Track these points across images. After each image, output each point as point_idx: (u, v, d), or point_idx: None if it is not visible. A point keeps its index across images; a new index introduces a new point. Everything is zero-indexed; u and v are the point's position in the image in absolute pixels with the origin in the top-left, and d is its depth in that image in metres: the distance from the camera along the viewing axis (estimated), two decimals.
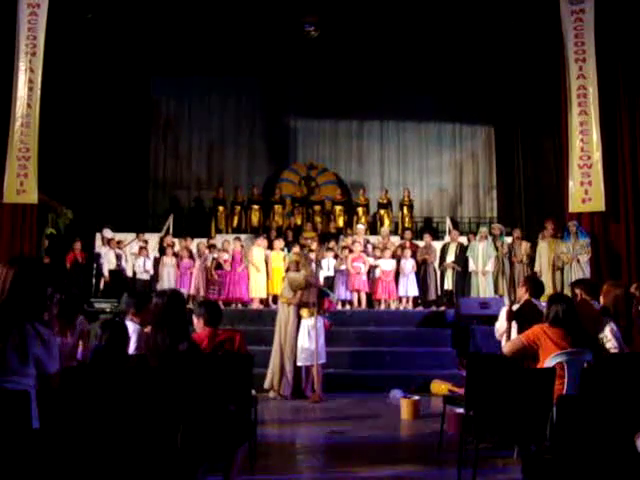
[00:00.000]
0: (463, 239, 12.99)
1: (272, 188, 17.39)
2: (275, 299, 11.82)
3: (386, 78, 17.71)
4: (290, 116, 18.91)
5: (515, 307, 5.73)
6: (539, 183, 15.57)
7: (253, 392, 5.68)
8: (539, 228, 12.30)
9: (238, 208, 16.57)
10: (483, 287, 11.92)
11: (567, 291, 9.88)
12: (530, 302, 5.71)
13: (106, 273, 12.87)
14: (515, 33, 14.19)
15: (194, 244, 13.19)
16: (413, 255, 12.50)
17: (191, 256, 12.60)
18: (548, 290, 10.35)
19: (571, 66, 11.43)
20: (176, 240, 13.46)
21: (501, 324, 5.68)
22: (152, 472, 3.40)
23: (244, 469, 4.93)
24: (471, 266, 12.05)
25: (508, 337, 5.40)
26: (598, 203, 11.15)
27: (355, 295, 12.22)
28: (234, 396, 4.92)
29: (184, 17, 14.20)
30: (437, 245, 12.98)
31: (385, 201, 16.84)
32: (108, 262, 12.93)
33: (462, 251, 12.29)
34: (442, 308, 11.95)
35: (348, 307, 12.11)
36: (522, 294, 5.88)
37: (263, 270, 12.30)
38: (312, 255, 11.70)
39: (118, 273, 12.88)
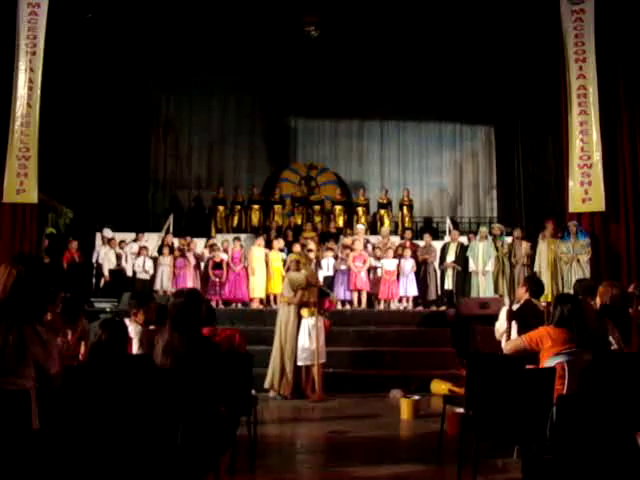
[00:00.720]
0: (463, 239, 12.98)
1: (272, 188, 17.39)
2: (275, 299, 11.82)
3: (386, 78, 17.70)
4: (290, 116, 18.92)
5: (515, 307, 5.74)
6: (539, 183, 15.56)
7: (253, 392, 5.69)
8: (539, 228, 12.29)
9: (238, 208, 16.58)
10: (483, 287, 11.91)
11: (567, 291, 9.87)
12: (530, 302, 5.71)
13: (106, 273, 12.87)
14: (515, 33, 14.19)
15: (197, 244, 13.19)
16: (413, 255, 12.49)
17: (184, 255, 12.58)
18: (548, 290, 10.35)
19: (571, 66, 11.43)
20: (176, 240, 13.46)
21: (501, 324, 5.68)
22: (152, 472, 3.40)
23: (244, 469, 4.95)
24: (471, 266, 12.04)
25: (508, 337, 5.40)
26: (598, 203, 11.15)
27: (355, 295, 12.22)
28: (234, 396, 4.92)
29: (184, 17, 14.21)
30: (437, 245, 12.97)
31: (385, 201, 16.83)
32: (108, 262, 12.93)
33: (462, 251, 12.28)
34: (442, 308, 11.95)
35: (348, 307, 12.10)
36: (522, 294, 5.88)
37: (263, 270, 12.30)
38: (312, 255, 11.73)
39: (118, 273, 12.88)
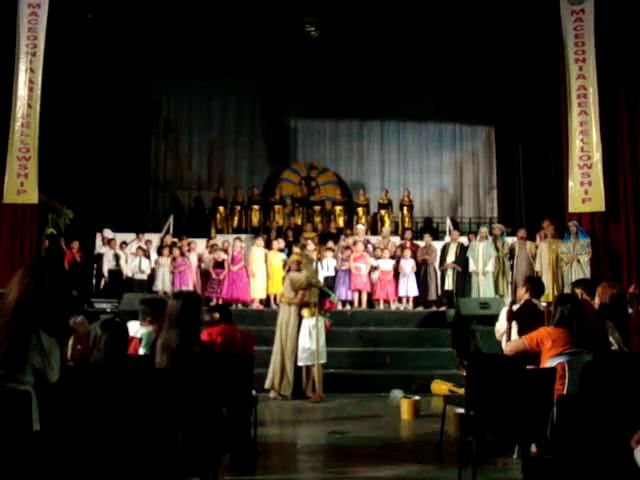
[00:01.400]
0: (463, 239, 12.98)
1: (272, 188, 17.38)
2: (275, 299, 11.82)
3: (386, 78, 17.70)
4: (290, 116, 18.92)
5: (515, 307, 5.74)
6: (539, 183, 15.56)
7: (253, 392, 5.69)
8: (539, 228, 12.30)
9: (238, 208, 16.57)
10: (483, 287, 11.90)
11: (567, 291, 9.86)
12: (530, 302, 5.72)
13: (106, 273, 12.88)
14: (515, 33, 14.19)
15: (198, 245, 13.20)
16: (413, 255, 12.50)
17: (183, 255, 12.59)
18: (548, 290, 10.35)
19: (571, 66, 11.43)
20: (177, 240, 13.47)
21: (501, 324, 5.69)
22: (153, 472, 3.40)
23: (243, 469, 4.95)
24: (471, 266, 12.04)
25: (508, 337, 5.40)
26: (598, 203, 11.15)
27: (356, 295, 12.22)
28: (234, 397, 4.93)
29: (185, 17, 14.20)
30: (437, 245, 12.97)
31: (385, 201, 16.82)
32: (108, 262, 12.93)
33: (462, 251, 12.28)
34: (442, 308, 11.95)
35: (349, 307, 12.11)
36: (522, 294, 5.88)
37: (263, 270, 12.30)
38: (313, 255, 11.73)
39: (117, 273, 12.88)
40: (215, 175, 18.64)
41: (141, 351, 4.99)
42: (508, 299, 10.90)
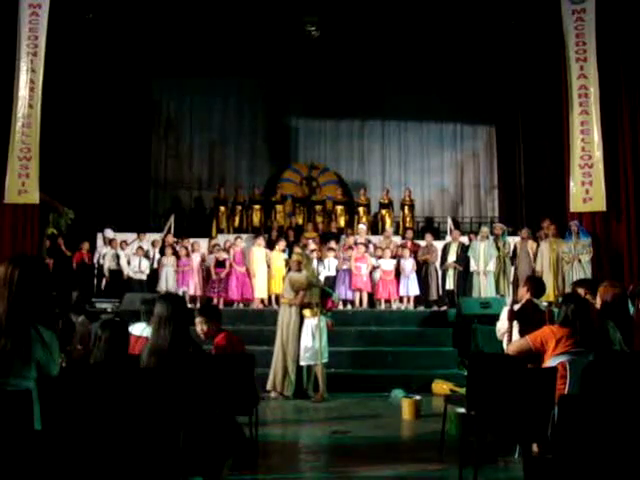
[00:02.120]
0: (464, 239, 12.98)
1: (273, 188, 17.38)
2: (277, 299, 11.81)
3: (387, 78, 17.72)
4: (291, 116, 18.93)
5: (516, 307, 5.73)
6: (540, 183, 15.56)
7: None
8: (540, 228, 12.31)
9: (239, 208, 16.57)
10: (484, 287, 11.90)
11: (568, 291, 9.86)
12: (531, 302, 5.71)
13: (107, 273, 12.88)
14: (516, 33, 14.20)
15: (201, 245, 13.21)
16: (414, 255, 12.49)
17: (188, 255, 12.59)
18: (549, 290, 10.35)
19: (572, 66, 11.43)
20: (177, 240, 13.46)
21: (502, 324, 5.68)
22: (155, 472, 3.40)
23: (245, 469, 4.95)
24: (472, 266, 12.03)
25: (509, 337, 5.40)
26: (599, 203, 11.16)
27: (357, 295, 12.22)
28: (236, 397, 4.93)
29: (185, 17, 14.21)
30: (438, 245, 12.97)
31: (386, 201, 16.81)
32: (109, 262, 12.93)
33: (463, 251, 12.28)
34: (443, 308, 11.94)
35: (350, 307, 12.11)
36: (523, 294, 5.87)
37: (263, 270, 12.30)
38: (314, 255, 11.74)
39: (118, 273, 12.88)
40: (216, 175, 18.65)
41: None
42: (509, 299, 10.89)
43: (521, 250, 12.05)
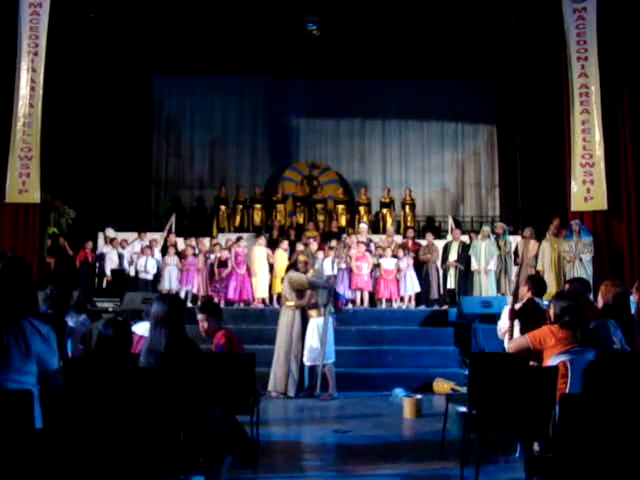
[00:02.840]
0: (465, 238, 12.97)
1: (274, 187, 17.39)
2: (279, 299, 11.79)
3: (388, 77, 17.71)
4: (292, 115, 18.93)
5: (517, 306, 5.73)
6: (541, 182, 15.56)
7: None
8: (542, 227, 12.30)
9: (240, 207, 16.58)
10: (485, 286, 11.89)
11: None
12: (532, 301, 5.71)
13: (108, 272, 12.88)
14: (517, 32, 14.19)
15: (205, 244, 13.22)
16: (409, 253, 12.47)
17: (195, 255, 12.60)
18: (551, 289, 10.34)
19: (573, 65, 11.42)
20: (180, 239, 13.47)
21: (503, 323, 5.69)
22: (156, 470, 3.40)
23: (246, 468, 4.95)
24: (473, 265, 12.03)
25: (511, 336, 5.40)
26: (600, 202, 11.15)
27: (358, 294, 12.22)
28: (236, 396, 4.93)
29: (186, 16, 14.21)
30: (439, 244, 12.96)
31: (387, 200, 16.82)
32: (111, 261, 12.93)
33: (464, 250, 12.27)
34: (444, 307, 11.94)
35: (351, 306, 12.10)
36: (524, 293, 5.87)
37: (265, 270, 12.29)
38: (320, 254, 11.74)
39: (120, 273, 12.88)
40: (217, 174, 18.65)
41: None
42: (510, 298, 10.89)
43: (526, 249, 12.02)
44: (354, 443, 6.23)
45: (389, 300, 12.27)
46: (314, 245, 12.28)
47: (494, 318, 7.48)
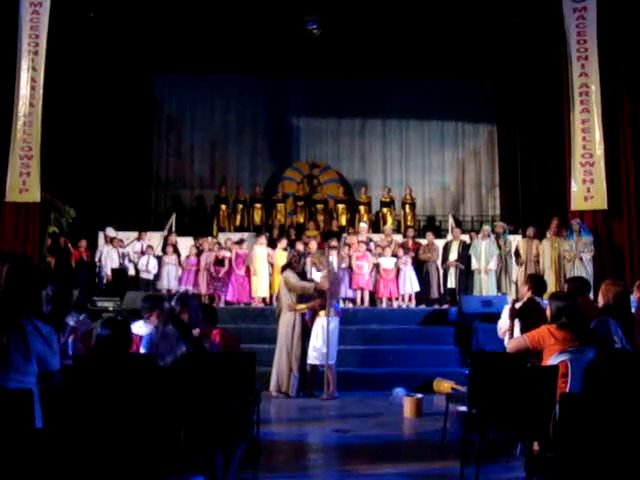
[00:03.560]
0: (465, 237, 12.98)
1: (274, 186, 17.39)
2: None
3: (389, 76, 17.70)
4: (292, 114, 18.92)
5: (518, 305, 5.73)
6: (541, 181, 15.56)
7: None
8: (542, 226, 12.29)
9: (240, 206, 16.57)
10: (486, 285, 11.90)
11: None
12: (533, 300, 5.71)
13: (109, 272, 12.87)
14: (517, 31, 14.19)
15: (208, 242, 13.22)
16: (408, 252, 12.47)
17: (199, 254, 12.60)
18: (551, 288, 10.34)
19: (573, 64, 11.43)
20: (181, 239, 13.47)
21: (504, 322, 5.69)
22: (156, 469, 3.40)
23: (246, 467, 4.94)
24: (474, 264, 12.03)
25: (511, 335, 5.40)
26: (600, 201, 11.16)
27: (358, 293, 12.22)
28: (237, 395, 4.93)
29: (186, 16, 14.21)
30: (439, 243, 12.96)
31: (388, 199, 16.82)
32: (111, 261, 12.92)
33: (464, 249, 12.28)
34: (445, 306, 11.94)
35: (351, 305, 12.09)
36: (525, 292, 5.88)
37: (265, 269, 12.29)
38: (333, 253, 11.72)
39: (121, 272, 12.88)
40: (217, 173, 18.64)
41: (142, 350, 4.99)
42: (510, 297, 10.89)
43: (530, 249, 12.00)
44: (354, 442, 6.23)
45: (389, 299, 12.27)
46: (313, 244, 12.27)
47: (494, 317, 7.47)
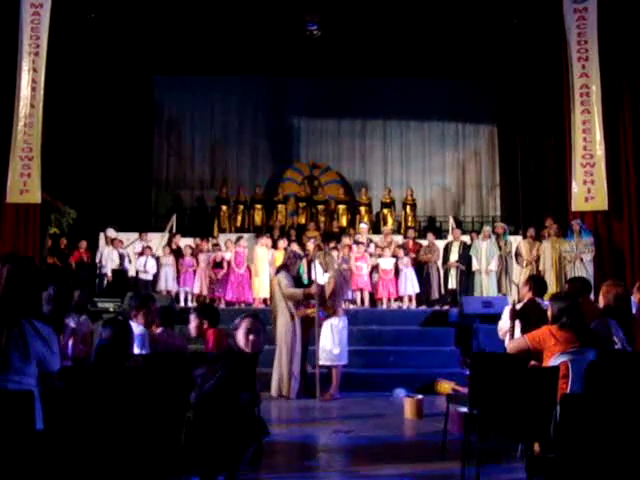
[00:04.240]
0: (466, 238, 12.98)
1: (275, 187, 17.39)
2: None
3: (389, 77, 17.70)
4: (293, 115, 18.93)
5: (518, 306, 5.73)
6: (542, 182, 15.56)
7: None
8: (541, 227, 12.30)
9: (241, 207, 16.57)
10: (486, 286, 11.91)
11: None
12: (533, 301, 5.71)
13: (109, 273, 12.88)
14: (518, 32, 14.19)
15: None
16: (409, 253, 12.47)
17: (194, 255, 12.60)
18: (551, 289, 10.34)
19: (574, 65, 11.42)
20: (189, 240, 13.51)
21: (504, 323, 5.69)
22: (156, 471, 3.40)
23: (247, 468, 4.94)
24: (474, 265, 12.04)
25: (511, 336, 5.40)
26: (601, 202, 11.15)
27: (358, 294, 12.21)
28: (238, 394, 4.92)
29: (187, 16, 14.21)
30: (440, 244, 12.96)
31: (388, 200, 16.82)
32: (111, 262, 12.93)
33: (465, 250, 12.29)
34: (445, 307, 11.94)
35: (351, 306, 12.09)
36: (525, 293, 5.87)
37: (267, 270, 12.28)
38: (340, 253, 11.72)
39: (121, 273, 12.88)
40: (218, 174, 18.65)
41: (136, 350, 4.98)
42: (511, 298, 10.89)
43: (530, 249, 12.00)
44: (355, 443, 6.22)
45: (389, 300, 12.27)
46: (310, 245, 12.27)
47: (495, 318, 7.47)
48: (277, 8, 13.90)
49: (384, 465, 5.43)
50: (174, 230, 15.03)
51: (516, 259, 12.19)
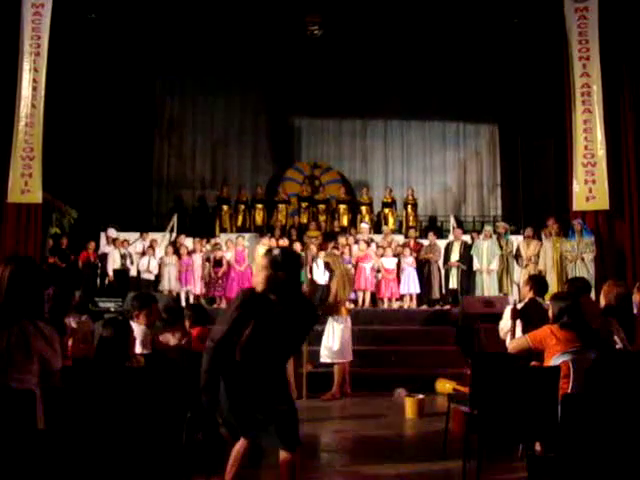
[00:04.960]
0: (467, 237, 12.98)
1: (276, 187, 17.39)
2: None
3: (390, 77, 17.69)
4: (294, 115, 18.90)
5: (519, 306, 5.73)
6: (543, 181, 15.55)
7: None
8: (543, 226, 12.30)
9: (242, 207, 16.56)
10: (488, 286, 11.90)
11: None
12: (534, 301, 5.71)
13: (110, 272, 12.88)
14: (519, 31, 14.18)
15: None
16: (411, 253, 12.48)
17: (190, 254, 12.59)
18: (552, 289, 10.33)
19: (575, 64, 11.42)
20: (189, 240, 13.51)
21: (505, 323, 5.68)
22: (157, 470, 3.40)
23: (249, 466, 4.94)
24: (476, 265, 12.04)
25: (512, 336, 5.40)
26: (602, 202, 11.14)
27: (360, 294, 12.21)
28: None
29: (188, 16, 14.23)
30: (441, 244, 12.96)
31: (389, 200, 16.80)
32: (113, 261, 12.92)
33: (466, 249, 12.28)
34: (447, 307, 11.93)
35: (352, 306, 12.08)
36: (526, 293, 5.87)
37: None
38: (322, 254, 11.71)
39: (123, 273, 12.88)
40: (219, 174, 18.63)
41: (138, 349, 4.98)
42: (512, 298, 10.88)
43: (529, 249, 11.99)
44: (356, 443, 6.23)
45: (391, 299, 12.27)
46: (312, 246, 12.25)
47: (496, 318, 7.47)
48: (278, 8, 13.90)
49: (385, 464, 5.42)
50: (175, 230, 15.03)
51: (517, 259, 12.18)
